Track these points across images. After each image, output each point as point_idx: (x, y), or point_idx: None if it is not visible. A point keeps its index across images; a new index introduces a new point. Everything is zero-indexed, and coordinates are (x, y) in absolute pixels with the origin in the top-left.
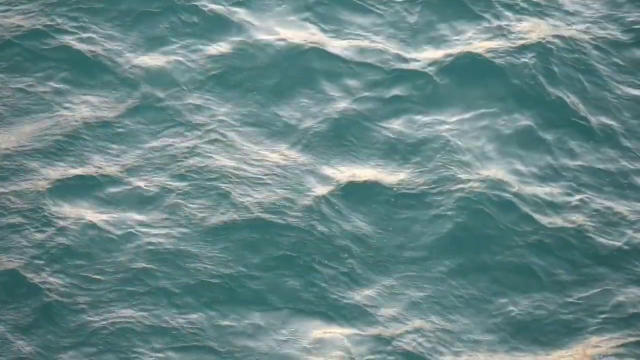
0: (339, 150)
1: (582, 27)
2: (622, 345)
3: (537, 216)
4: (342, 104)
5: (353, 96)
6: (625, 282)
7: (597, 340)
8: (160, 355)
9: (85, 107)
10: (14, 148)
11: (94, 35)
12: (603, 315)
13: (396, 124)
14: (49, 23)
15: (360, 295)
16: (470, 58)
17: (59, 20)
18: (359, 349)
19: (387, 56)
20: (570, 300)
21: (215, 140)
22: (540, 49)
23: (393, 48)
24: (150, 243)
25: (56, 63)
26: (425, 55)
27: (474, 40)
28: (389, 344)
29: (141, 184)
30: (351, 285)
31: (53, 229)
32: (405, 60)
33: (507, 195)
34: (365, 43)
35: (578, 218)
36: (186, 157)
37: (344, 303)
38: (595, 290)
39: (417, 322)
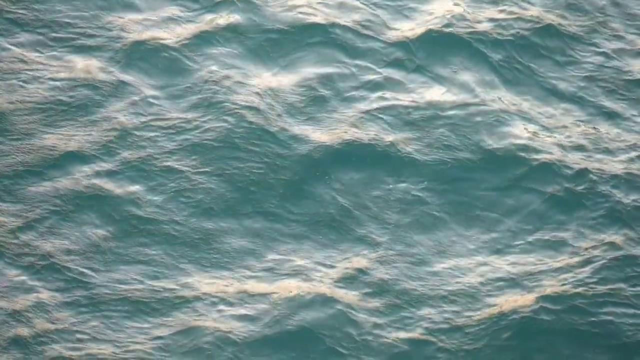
0: (330, 118)
1: (565, 10)
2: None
3: (536, 182)
4: (335, 79)
5: (343, 69)
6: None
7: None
8: (163, 332)
9: (79, 72)
10: (6, 115)
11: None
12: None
13: (386, 96)
14: None
15: (346, 260)
16: (457, 35)
17: None
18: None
19: (376, 30)
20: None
21: (208, 107)
22: (525, 29)
23: (384, 22)
24: (148, 212)
25: (50, 31)
26: (414, 31)
27: (463, 16)
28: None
29: (138, 151)
30: (338, 248)
31: (51, 194)
32: (395, 35)
33: (495, 160)
34: (359, 18)
35: (573, 186)
36: (183, 127)
37: (328, 264)
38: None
39: (405, 282)
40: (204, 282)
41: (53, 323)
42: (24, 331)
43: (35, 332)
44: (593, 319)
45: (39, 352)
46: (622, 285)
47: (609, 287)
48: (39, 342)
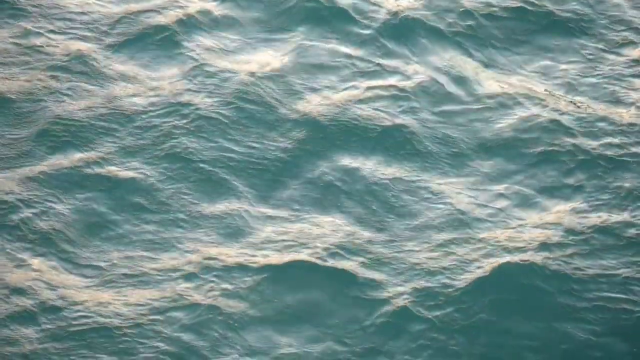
0: (326, 101)
1: None
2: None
3: (537, 165)
4: (330, 63)
5: (338, 54)
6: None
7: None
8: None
9: (78, 58)
10: (6, 100)
11: None
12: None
13: (383, 81)
14: None
15: (341, 236)
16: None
17: None
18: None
19: (372, 16)
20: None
21: (205, 90)
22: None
23: (380, 6)
24: (146, 192)
25: (49, 20)
26: (410, 16)
27: None
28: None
29: (137, 133)
30: (332, 225)
31: (51, 176)
32: (390, 20)
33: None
34: (351, 3)
35: (575, 169)
36: (180, 109)
37: (323, 240)
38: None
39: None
40: (202, 259)
41: (56, 297)
42: (27, 305)
43: (38, 306)
44: (586, 304)
45: (43, 329)
46: (619, 267)
47: (605, 269)
48: (43, 315)
